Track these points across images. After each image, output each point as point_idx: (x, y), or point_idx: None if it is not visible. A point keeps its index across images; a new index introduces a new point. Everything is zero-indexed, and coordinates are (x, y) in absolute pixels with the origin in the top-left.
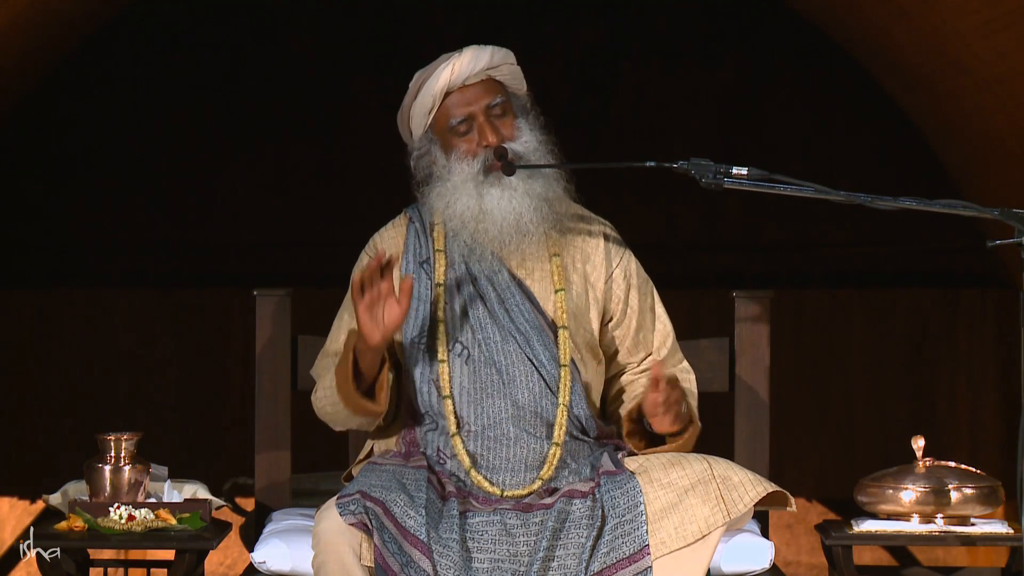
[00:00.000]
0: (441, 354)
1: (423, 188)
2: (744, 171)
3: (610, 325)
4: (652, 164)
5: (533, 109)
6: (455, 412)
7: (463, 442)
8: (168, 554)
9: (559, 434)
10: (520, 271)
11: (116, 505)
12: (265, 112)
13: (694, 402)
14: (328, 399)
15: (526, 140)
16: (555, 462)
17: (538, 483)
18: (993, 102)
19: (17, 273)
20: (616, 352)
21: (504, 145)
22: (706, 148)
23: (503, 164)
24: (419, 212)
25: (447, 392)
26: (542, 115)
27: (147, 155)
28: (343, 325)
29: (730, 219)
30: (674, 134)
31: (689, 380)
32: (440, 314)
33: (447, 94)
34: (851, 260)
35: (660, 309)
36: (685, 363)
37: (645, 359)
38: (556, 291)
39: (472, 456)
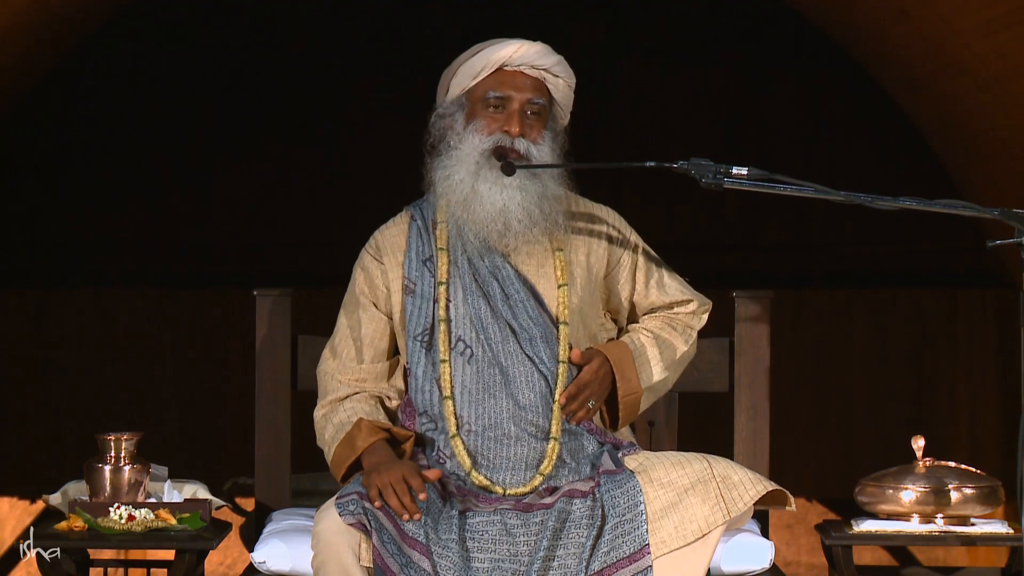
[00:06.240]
0: (443, 353)
1: (432, 158)
2: (744, 171)
3: (628, 305)
4: (652, 164)
5: (565, 138)
6: (455, 413)
7: (463, 442)
8: (168, 554)
9: (557, 429)
10: (524, 267)
11: (116, 505)
12: (265, 112)
13: (666, 353)
14: (322, 443)
15: (545, 152)
16: (554, 458)
17: (539, 479)
18: (993, 102)
19: (17, 273)
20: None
21: (521, 139)
22: (706, 148)
23: (503, 164)
24: (421, 210)
25: (448, 393)
26: (570, 153)
27: (147, 155)
28: (346, 332)
29: (730, 219)
30: (674, 134)
31: (680, 323)
32: (442, 312)
33: (500, 68)
34: (851, 260)
35: (667, 276)
36: (693, 305)
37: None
38: (559, 286)
39: (472, 456)
